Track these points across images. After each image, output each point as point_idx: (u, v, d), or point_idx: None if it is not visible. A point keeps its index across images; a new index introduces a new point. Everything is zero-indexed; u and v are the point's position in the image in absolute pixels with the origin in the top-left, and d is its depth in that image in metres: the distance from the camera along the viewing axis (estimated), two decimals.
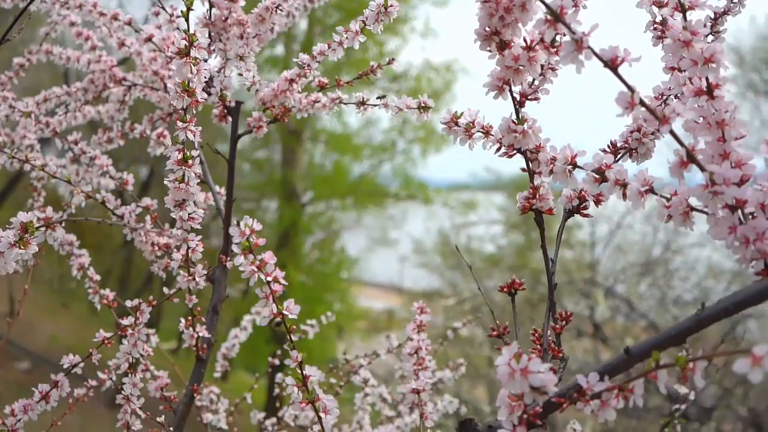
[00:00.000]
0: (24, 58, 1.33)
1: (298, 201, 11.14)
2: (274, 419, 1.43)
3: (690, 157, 0.52)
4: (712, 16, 0.71)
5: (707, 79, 0.53)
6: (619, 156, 0.69)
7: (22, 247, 0.68)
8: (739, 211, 0.52)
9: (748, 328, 6.69)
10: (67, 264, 1.14)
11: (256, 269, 0.62)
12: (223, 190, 1.12)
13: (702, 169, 0.51)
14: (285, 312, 0.63)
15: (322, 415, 0.64)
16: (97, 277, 1.11)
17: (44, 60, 1.32)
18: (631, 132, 0.68)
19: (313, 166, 11.69)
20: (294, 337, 0.66)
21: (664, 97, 0.69)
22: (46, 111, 1.24)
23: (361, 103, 0.98)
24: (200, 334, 0.98)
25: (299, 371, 0.65)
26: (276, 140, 11.34)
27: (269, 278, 0.62)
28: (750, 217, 0.52)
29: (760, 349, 0.40)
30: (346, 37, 0.90)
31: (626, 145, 0.69)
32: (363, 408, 1.28)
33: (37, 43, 1.32)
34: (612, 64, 0.51)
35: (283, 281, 0.63)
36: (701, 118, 0.54)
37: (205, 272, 0.91)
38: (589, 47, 0.50)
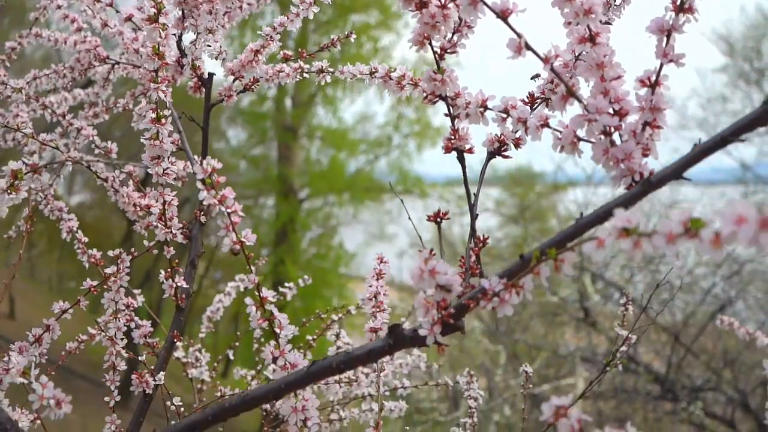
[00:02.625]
0: (15, 42, 1.42)
1: (295, 197, 11.23)
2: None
3: (570, 92, 0.61)
4: None
5: (589, 27, 0.63)
6: (536, 105, 0.79)
7: (12, 191, 0.78)
8: (617, 137, 0.62)
9: (736, 310, 6.81)
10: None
11: (217, 202, 0.72)
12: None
13: (580, 101, 0.61)
14: (243, 239, 0.73)
15: (277, 330, 0.74)
16: (85, 239, 1.20)
17: (34, 43, 1.42)
18: (546, 83, 0.78)
19: (310, 163, 11.77)
20: (252, 268, 0.76)
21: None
22: (39, 92, 1.33)
23: (321, 71, 1.08)
24: (179, 285, 1.08)
25: (257, 293, 0.75)
26: (272, 137, 11.43)
27: (229, 210, 0.72)
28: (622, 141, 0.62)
29: (603, 231, 0.49)
30: (302, 9, 1.00)
31: (542, 95, 0.78)
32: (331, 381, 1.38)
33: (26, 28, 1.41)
34: (503, 15, 0.61)
35: (241, 213, 0.73)
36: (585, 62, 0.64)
37: (180, 225, 1.01)
38: (482, 1, 0.60)
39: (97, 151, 1.18)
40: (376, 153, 11.90)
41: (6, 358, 0.74)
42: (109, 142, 1.20)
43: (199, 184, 0.72)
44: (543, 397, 5.86)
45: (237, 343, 1.63)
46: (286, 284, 1.56)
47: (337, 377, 1.27)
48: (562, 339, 7.52)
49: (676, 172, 0.57)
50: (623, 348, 1.18)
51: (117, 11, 1.19)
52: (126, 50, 1.28)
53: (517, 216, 10.44)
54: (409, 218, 1.01)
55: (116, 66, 1.30)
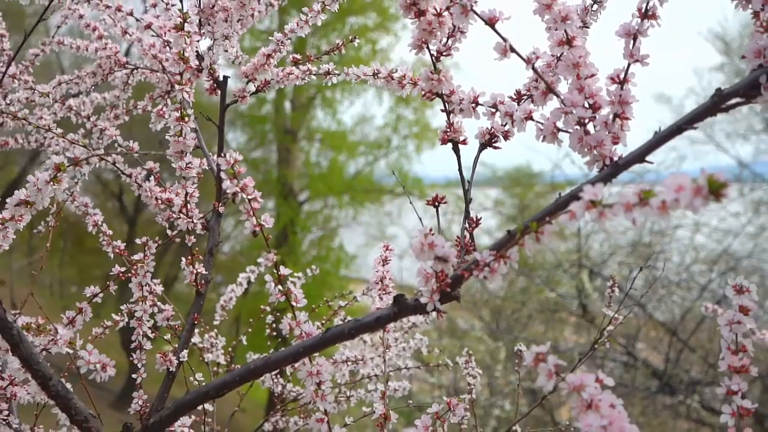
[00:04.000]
0: (39, 49, 1.52)
1: (295, 199, 11.31)
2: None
3: (549, 89, 0.71)
4: None
5: (566, 32, 0.73)
6: (522, 101, 0.88)
7: (55, 183, 0.87)
8: (591, 127, 0.72)
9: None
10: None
11: (239, 190, 0.81)
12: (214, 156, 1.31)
13: (558, 96, 0.71)
14: (262, 223, 0.82)
15: (294, 303, 0.84)
16: (110, 232, 1.29)
17: (57, 50, 1.51)
18: (531, 82, 0.88)
19: (309, 165, 11.86)
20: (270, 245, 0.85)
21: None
22: (63, 95, 1.43)
23: (327, 73, 1.17)
24: (199, 272, 1.17)
25: (275, 271, 0.84)
26: (272, 140, 11.52)
27: (250, 197, 0.82)
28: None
29: (574, 205, 0.58)
30: (311, 16, 1.09)
31: (527, 92, 0.88)
32: (342, 344, 1.47)
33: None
34: (491, 22, 0.70)
35: (260, 200, 0.82)
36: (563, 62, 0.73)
37: (201, 215, 1.10)
38: (472, 10, 0.70)
39: (119, 149, 1.27)
40: (376, 155, 11.99)
41: (53, 331, 0.83)
42: (131, 141, 1.29)
43: (222, 174, 0.81)
44: (539, 390, 5.94)
45: (250, 330, 1.72)
46: (296, 275, 1.64)
47: (345, 358, 1.36)
48: (561, 336, 7.60)
49: (639, 156, 0.66)
50: (609, 327, 1.27)
51: (137, 20, 1.29)
52: (144, 56, 1.38)
53: (517, 216, 10.53)
54: (418, 216, 1.09)
55: (135, 71, 1.39)
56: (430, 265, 0.71)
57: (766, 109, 0.64)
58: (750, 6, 0.66)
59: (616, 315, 1.29)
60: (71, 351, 0.82)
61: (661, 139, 0.65)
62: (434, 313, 0.76)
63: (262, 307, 1.53)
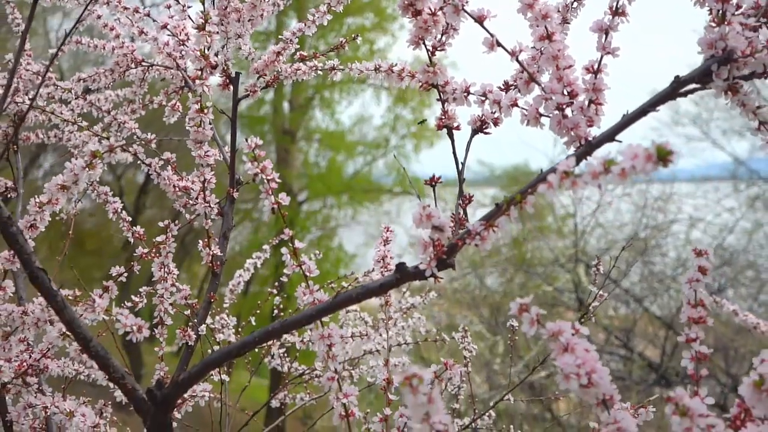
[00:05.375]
0: (58, 48, 1.61)
1: (294, 200, 11.40)
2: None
3: (531, 78, 0.81)
4: None
5: (546, 28, 0.82)
6: (510, 90, 0.98)
7: (91, 169, 0.96)
8: (569, 112, 0.81)
9: (727, 298, 7.01)
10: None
11: (259, 171, 0.91)
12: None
13: (539, 85, 0.80)
14: (279, 200, 0.92)
15: (307, 273, 0.93)
16: (129, 218, 1.39)
17: (75, 49, 1.61)
18: (517, 73, 0.97)
19: (308, 165, 11.96)
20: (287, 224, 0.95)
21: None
22: (82, 91, 1.52)
23: (332, 69, 1.27)
24: (214, 253, 1.27)
25: (291, 244, 0.93)
26: (270, 141, 11.62)
27: (269, 177, 0.91)
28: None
29: (551, 177, 0.68)
30: (317, 17, 1.19)
31: (514, 82, 0.97)
32: (346, 323, 1.57)
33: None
34: (480, 20, 0.80)
35: (278, 180, 0.92)
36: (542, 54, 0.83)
37: (217, 201, 1.20)
38: (463, 9, 0.79)
39: (138, 141, 1.37)
40: (374, 154, 12.09)
41: (90, 301, 0.93)
42: (149, 134, 1.39)
43: (244, 158, 0.91)
44: (540, 385, 6.04)
45: (257, 311, 1.82)
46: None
47: (350, 333, 1.46)
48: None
49: (609, 136, 0.76)
50: (595, 303, 1.37)
51: (154, 21, 1.38)
52: (159, 54, 1.47)
53: (516, 214, 10.60)
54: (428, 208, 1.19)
55: (150, 68, 1.49)
56: (428, 234, 0.81)
57: (719, 93, 0.74)
58: (706, 4, 0.76)
59: (600, 292, 1.39)
60: (107, 318, 0.92)
61: (628, 120, 0.75)
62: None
63: (268, 289, 1.63)
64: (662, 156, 0.57)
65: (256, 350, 1.77)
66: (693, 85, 0.74)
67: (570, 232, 7.93)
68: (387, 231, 1.25)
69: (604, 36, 0.81)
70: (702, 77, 0.73)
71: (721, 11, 0.73)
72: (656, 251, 7.18)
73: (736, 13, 0.74)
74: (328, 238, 12.07)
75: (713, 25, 0.73)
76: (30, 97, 1.52)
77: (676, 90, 0.74)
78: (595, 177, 0.63)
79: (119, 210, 1.40)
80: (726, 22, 0.72)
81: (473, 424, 1.53)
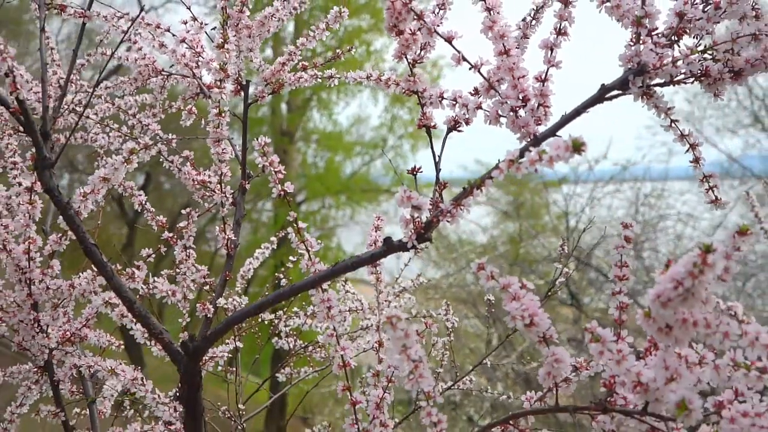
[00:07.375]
0: (84, 59, 1.81)
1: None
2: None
3: (490, 86, 1.00)
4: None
5: (503, 45, 1.02)
6: (477, 95, 1.17)
7: (128, 163, 1.16)
8: (522, 113, 1.01)
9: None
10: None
11: (268, 164, 1.10)
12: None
13: (497, 91, 1.00)
14: (285, 189, 1.11)
15: (310, 248, 1.13)
16: (153, 209, 1.58)
17: (100, 60, 1.80)
18: (482, 82, 1.17)
19: (306, 166, 12.13)
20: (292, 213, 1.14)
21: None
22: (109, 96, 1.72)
23: (331, 77, 1.46)
24: (230, 237, 1.46)
25: (295, 225, 1.13)
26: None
27: (276, 169, 1.11)
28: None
29: (502, 164, 0.87)
30: (317, 33, 1.39)
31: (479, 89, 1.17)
32: (344, 302, 1.77)
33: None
34: (449, 39, 0.99)
35: (283, 171, 1.11)
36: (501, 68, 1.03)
37: (232, 191, 1.39)
38: (435, 31, 0.99)
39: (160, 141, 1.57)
40: (372, 155, 12.27)
41: (131, 272, 1.12)
42: (170, 134, 1.58)
43: (255, 153, 1.10)
44: (532, 375, 6.24)
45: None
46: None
47: (347, 307, 1.66)
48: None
49: (551, 132, 0.95)
50: (561, 279, 1.56)
51: (173, 35, 1.58)
52: (177, 64, 1.66)
53: (512, 213, 10.81)
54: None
55: (169, 77, 1.68)
56: (409, 212, 1.00)
57: (637, 97, 0.94)
58: (628, 27, 0.95)
59: (566, 269, 1.58)
60: (145, 287, 1.11)
61: (563, 121, 0.94)
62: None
63: (276, 274, 1.82)
64: (576, 147, 0.76)
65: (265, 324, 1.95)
66: (616, 92, 0.94)
67: (565, 230, 8.13)
68: (378, 220, 1.45)
69: (549, 51, 1.00)
70: (621, 85, 0.92)
71: (636, 33, 0.92)
72: (647, 246, 7.38)
73: (654, 33, 0.94)
74: (326, 238, 12.22)
75: (631, 43, 0.93)
76: (81, 106, 1.71)
77: (602, 95, 0.94)
78: (533, 163, 0.82)
79: (144, 202, 1.59)
80: (640, 42, 0.92)
81: (455, 386, 1.72)
